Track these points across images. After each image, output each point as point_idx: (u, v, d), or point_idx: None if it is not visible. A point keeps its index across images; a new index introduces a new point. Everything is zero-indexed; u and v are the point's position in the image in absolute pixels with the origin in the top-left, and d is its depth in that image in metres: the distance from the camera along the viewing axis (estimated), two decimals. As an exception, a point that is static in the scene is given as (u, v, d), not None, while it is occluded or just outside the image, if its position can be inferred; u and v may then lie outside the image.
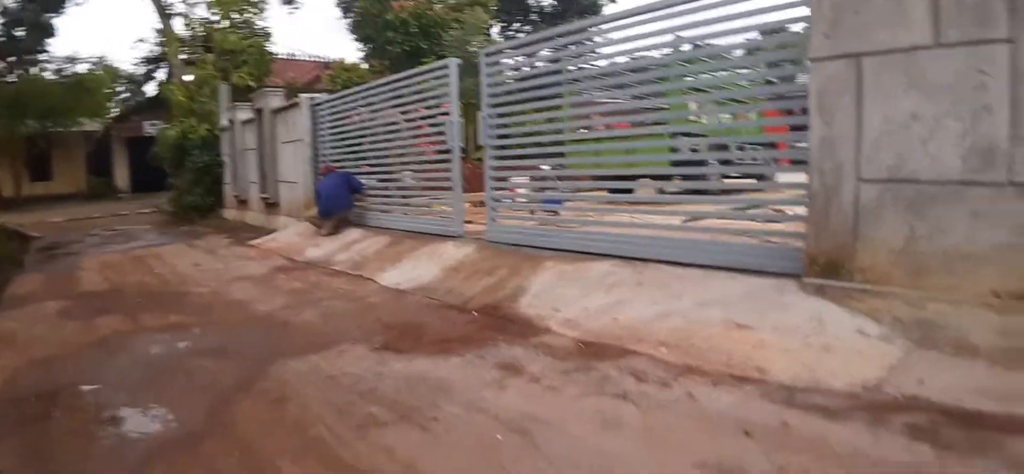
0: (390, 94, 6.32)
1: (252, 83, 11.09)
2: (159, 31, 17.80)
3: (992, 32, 2.32)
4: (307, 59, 20.73)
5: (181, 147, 11.18)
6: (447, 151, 5.40)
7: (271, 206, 8.95)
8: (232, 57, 11.54)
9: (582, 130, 4.98)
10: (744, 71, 3.81)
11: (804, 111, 3.18)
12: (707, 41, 3.68)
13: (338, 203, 6.61)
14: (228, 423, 2.25)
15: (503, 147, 4.95)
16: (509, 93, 4.89)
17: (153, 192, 17.28)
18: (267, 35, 12.26)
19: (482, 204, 5.41)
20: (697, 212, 4.03)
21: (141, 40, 20.68)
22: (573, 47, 4.70)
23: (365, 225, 6.64)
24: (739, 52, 3.75)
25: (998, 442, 1.72)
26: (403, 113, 6.20)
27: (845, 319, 2.60)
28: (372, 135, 6.70)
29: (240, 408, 2.39)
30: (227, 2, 11.54)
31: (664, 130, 4.47)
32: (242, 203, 10.41)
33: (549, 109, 4.71)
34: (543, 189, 5.28)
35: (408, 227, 6.01)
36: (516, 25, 22.88)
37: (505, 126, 4.89)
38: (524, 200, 5.39)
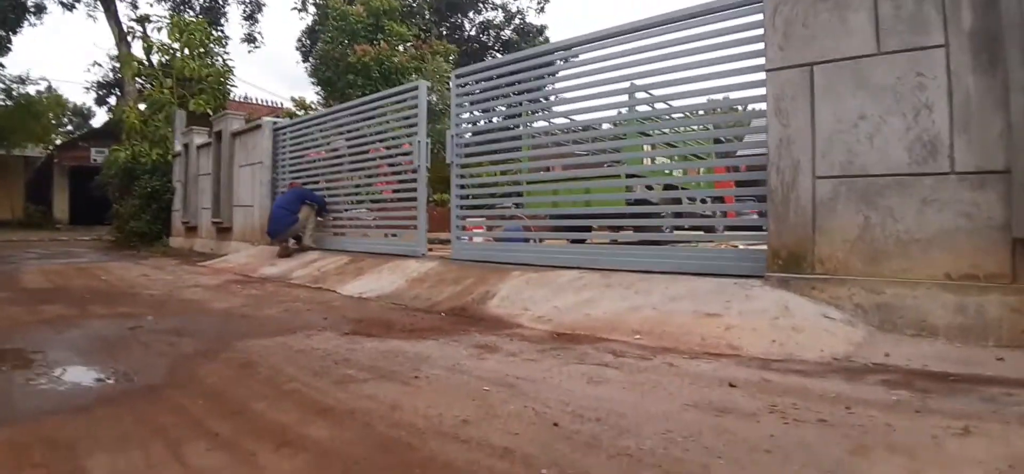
0: (358, 116, 6.33)
1: (209, 111, 10.87)
2: (115, 56, 17.37)
3: (928, 40, 2.58)
4: (262, 104, 20.68)
5: (130, 171, 10.73)
6: (414, 172, 5.42)
7: (223, 231, 8.64)
8: (190, 84, 11.32)
9: (540, 172, 5.09)
10: (694, 129, 4.05)
11: (749, 168, 3.46)
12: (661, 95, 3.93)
13: (283, 222, 6.42)
14: (192, 379, 2.11)
15: (469, 167, 5.03)
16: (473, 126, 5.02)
17: (93, 224, 16.46)
18: (229, 68, 12.12)
19: (445, 242, 5.46)
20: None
21: (96, 63, 20.14)
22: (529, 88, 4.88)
23: (323, 248, 6.49)
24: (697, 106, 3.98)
25: (969, 389, 1.81)
26: (375, 134, 6.21)
27: (809, 306, 2.72)
28: (337, 156, 6.65)
29: (204, 368, 2.24)
30: (191, 30, 11.39)
31: (619, 170, 4.62)
32: (190, 230, 10.01)
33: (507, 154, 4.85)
34: (507, 218, 5.37)
35: (369, 248, 5.93)
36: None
37: (471, 149, 4.98)
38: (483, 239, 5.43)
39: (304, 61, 19.79)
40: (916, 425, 1.56)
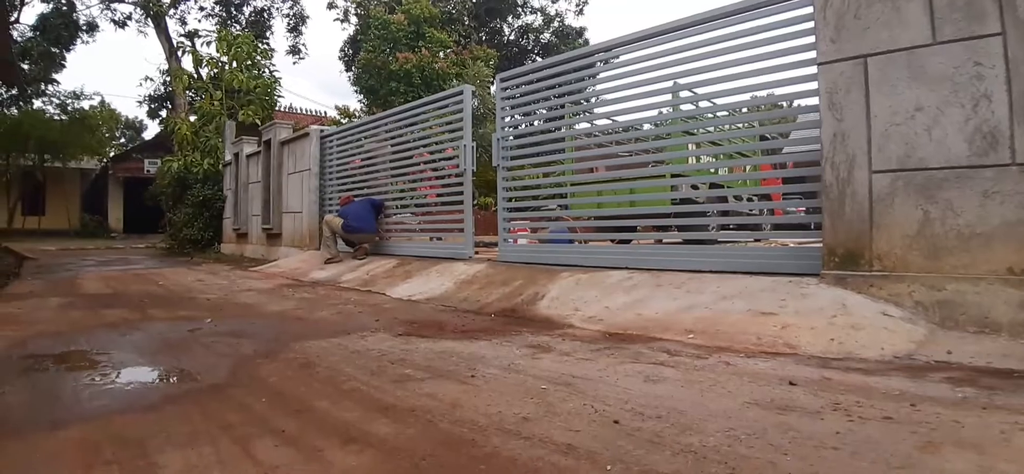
0: (404, 122, 6.48)
1: (257, 121, 11.28)
2: (166, 70, 18.19)
3: (985, 28, 2.49)
4: (307, 113, 21.34)
5: (182, 180, 11.25)
6: (459, 175, 5.51)
7: (273, 237, 8.95)
8: (239, 96, 11.77)
9: (585, 173, 5.11)
10: (740, 127, 4.00)
11: (797, 164, 3.38)
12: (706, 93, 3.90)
13: (365, 224, 6.58)
14: (254, 378, 2.21)
15: (514, 169, 5.09)
16: (517, 131, 5.07)
17: (146, 233, 17.27)
18: (276, 79, 12.56)
19: (491, 245, 5.53)
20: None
21: (148, 78, 21.20)
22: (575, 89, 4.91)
23: (370, 252, 6.66)
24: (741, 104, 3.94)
25: (1036, 384, 1.76)
26: (420, 139, 6.33)
27: (867, 304, 2.66)
28: (384, 162, 6.81)
29: (265, 368, 2.34)
30: (238, 44, 11.85)
31: (663, 172, 4.59)
32: (241, 237, 10.40)
33: (552, 155, 4.91)
34: (552, 219, 5.41)
35: (416, 252, 6.05)
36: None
37: (520, 146, 5.04)
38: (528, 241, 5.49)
39: (347, 70, 20.32)
40: (983, 421, 1.52)
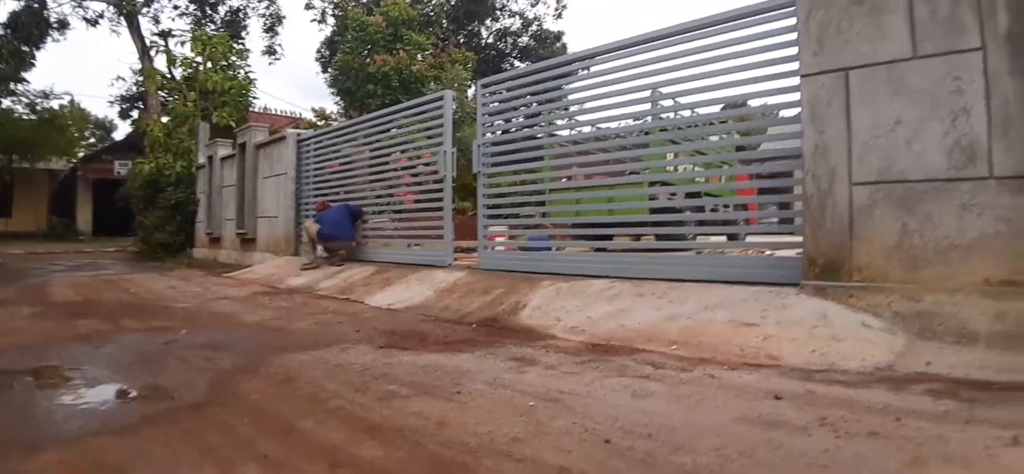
0: (383, 127, 6.40)
1: (232, 123, 11.06)
2: (139, 70, 17.73)
3: (965, 43, 2.55)
4: (282, 114, 21.03)
5: (154, 183, 10.96)
6: (439, 182, 5.46)
7: (247, 242, 8.77)
8: (213, 97, 11.52)
9: (563, 180, 5.11)
10: (718, 138, 4.05)
11: (772, 176, 3.42)
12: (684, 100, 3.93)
13: (341, 231, 6.47)
14: (235, 395, 2.14)
15: (495, 177, 5.06)
16: (496, 140, 5.06)
17: (116, 236, 16.80)
18: (251, 81, 12.31)
19: (470, 250, 5.48)
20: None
21: (119, 78, 20.56)
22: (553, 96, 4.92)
23: (350, 258, 6.56)
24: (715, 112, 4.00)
25: (1013, 397, 1.79)
26: (400, 144, 6.26)
27: (847, 315, 2.69)
28: (362, 167, 6.72)
29: (245, 384, 2.27)
30: (213, 44, 11.60)
31: (641, 179, 4.62)
32: (214, 241, 10.17)
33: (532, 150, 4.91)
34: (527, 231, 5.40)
35: (395, 258, 5.97)
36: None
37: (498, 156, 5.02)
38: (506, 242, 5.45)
39: (323, 72, 20.02)
40: (967, 436, 1.54)
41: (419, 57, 14.53)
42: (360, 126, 6.87)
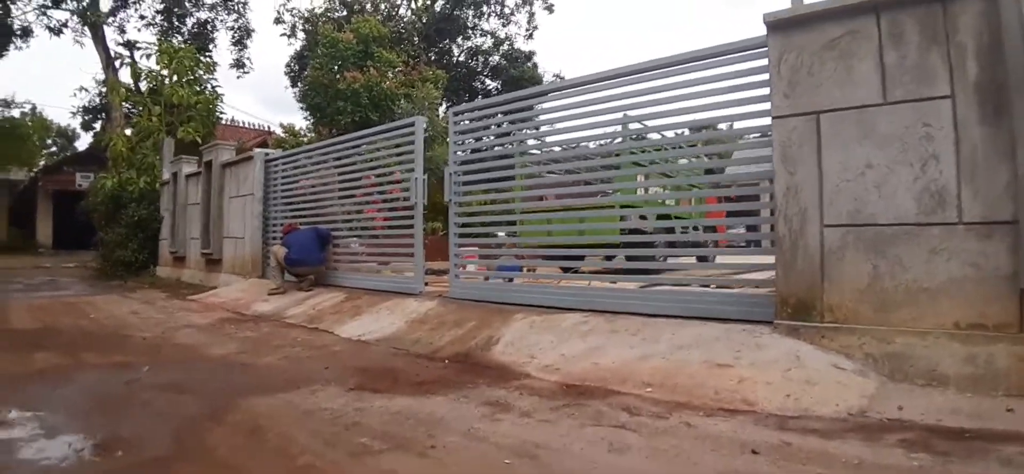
0: (354, 149, 6.30)
1: (198, 139, 10.76)
2: (102, 81, 17.21)
3: (934, 90, 2.61)
4: (250, 127, 20.63)
5: (117, 198, 10.57)
6: (410, 208, 5.38)
7: (212, 263, 8.51)
8: (179, 112, 11.21)
9: (534, 202, 5.10)
10: (683, 162, 4.12)
11: (739, 199, 3.47)
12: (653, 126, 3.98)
13: (309, 256, 6.30)
14: (201, 448, 2.03)
15: (466, 204, 5.03)
16: (467, 162, 5.04)
17: (77, 249, 16.17)
18: (218, 95, 12.03)
19: (441, 273, 5.41)
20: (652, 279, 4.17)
21: (82, 88, 19.86)
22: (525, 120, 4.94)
23: (318, 282, 6.40)
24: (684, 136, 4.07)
25: (986, 449, 1.81)
26: (370, 169, 6.16)
27: (819, 356, 2.71)
28: (331, 191, 6.59)
29: (211, 435, 2.16)
30: (180, 57, 11.32)
31: (612, 200, 4.64)
32: (178, 260, 9.85)
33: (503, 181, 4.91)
34: (498, 254, 5.36)
35: (365, 284, 5.85)
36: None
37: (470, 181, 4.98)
38: (477, 268, 5.41)
39: (293, 86, 19.72)
40: (941, 496, 1.54)
41: (390, 74, 14.40)
42: (330, 148, 6.76)
